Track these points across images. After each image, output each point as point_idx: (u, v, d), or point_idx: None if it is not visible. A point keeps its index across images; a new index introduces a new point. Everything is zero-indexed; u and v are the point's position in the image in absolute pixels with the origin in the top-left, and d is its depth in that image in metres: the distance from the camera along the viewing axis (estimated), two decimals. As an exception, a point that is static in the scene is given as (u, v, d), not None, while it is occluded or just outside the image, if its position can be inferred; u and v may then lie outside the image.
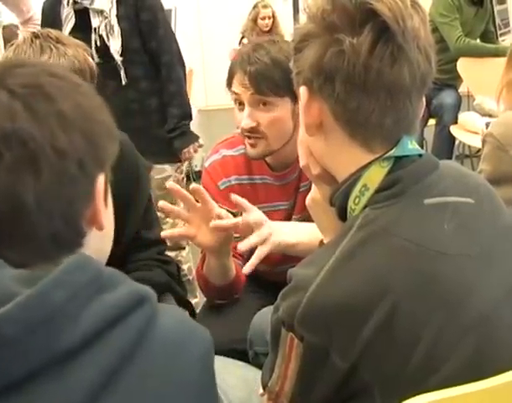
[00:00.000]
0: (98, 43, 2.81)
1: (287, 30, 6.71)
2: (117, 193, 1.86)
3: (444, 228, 1.03)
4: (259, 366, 1.66)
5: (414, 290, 0.97)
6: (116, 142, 0.89)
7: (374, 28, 1.01)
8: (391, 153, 1.06)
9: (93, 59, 2.75)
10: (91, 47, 2.74)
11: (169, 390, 0.78)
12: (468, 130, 4.20)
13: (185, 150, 3.02)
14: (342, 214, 1.11)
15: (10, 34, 4.28)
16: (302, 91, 1.10)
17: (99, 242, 0.87)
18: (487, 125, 3.78)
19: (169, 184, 1.66)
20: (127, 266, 1.96)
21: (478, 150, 3.93)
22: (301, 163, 1.20)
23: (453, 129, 4.48)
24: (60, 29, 2.78)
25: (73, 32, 2.75)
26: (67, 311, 0.72)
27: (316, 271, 1.00)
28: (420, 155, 1.09)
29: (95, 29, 2.81)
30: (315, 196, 1.27)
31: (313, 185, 1.27)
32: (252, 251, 2.02)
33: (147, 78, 2.93)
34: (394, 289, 0.96)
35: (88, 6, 2.81)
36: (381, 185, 1.05)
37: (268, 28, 6.49)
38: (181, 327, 0.84)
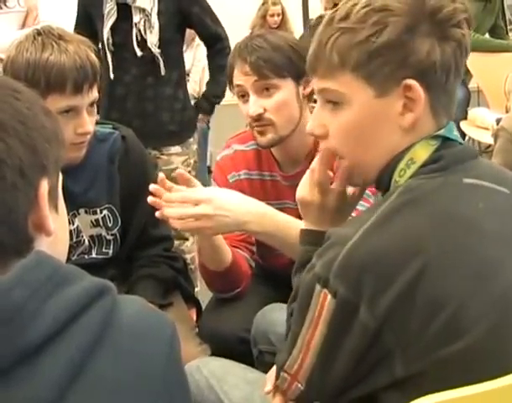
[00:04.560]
0: (138, 37, 2.93)
1: (296, 27, 6.71)
2: (123, 187, 1.89)
3: (478, 207, 1.06)
4: (264, 364, 1.67)
5: (446, 256, 1.00)
6: (59, 146, 0.88)
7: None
8: (440, 132, 1.11)
9: (135, 53, 2.91)
10: (131, 40, 2.92)
11: (137, 377, 0.78)
12: (478, 126, 4.18)
13: (203, 117, 3.53)
14: (386, 187, 1.14)
15: None
16: (414, 87, 1.09)
17: (51, 247, 0.86)
18: (497, 121, 3.77)
19: (178, 171, 1.65)
20: (134, 263, 1.98)
21: (488, 146, 3.91)
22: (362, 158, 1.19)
23: (463, 125, 4.46)
24: (101, 20, 2.95)
25: (114, 26, 2.93)
26: (28, 309, 0.73)
27: (355, 230, 1.02)
28: (461, 144, 1.15)
29: (135, 25, 2.93)
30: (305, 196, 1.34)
31: (302, 183, 1.36)
32: (263, 254, 2.02)
33: (168, 68, 3.03)
34: (427, 250, 0.99)
35: (131, 3, 2.92)
36: (426, 162, 1.10)
37: (277, 25, 6.47)
38: (144, 315, 0.85)
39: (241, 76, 1.82)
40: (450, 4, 1.09)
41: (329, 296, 1.02)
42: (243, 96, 1.84)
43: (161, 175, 1.61)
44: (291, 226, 1.61)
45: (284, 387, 1.14)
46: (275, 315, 1.75)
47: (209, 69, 3.45)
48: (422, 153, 1.10)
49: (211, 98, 3.35)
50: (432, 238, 1.00)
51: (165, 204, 1.57)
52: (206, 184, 1.69)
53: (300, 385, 1.11)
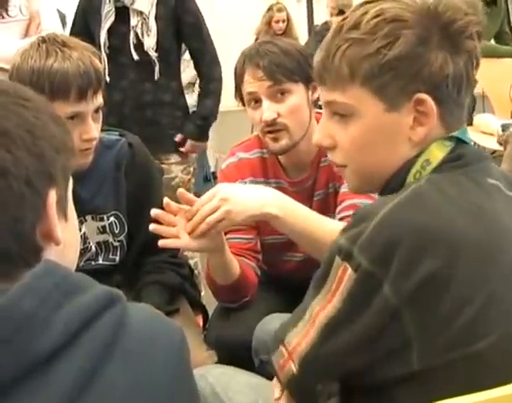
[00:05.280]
0: (135, 40, 2.94)
1: (301, 33, 6.72)
2: (130, 194, 1.89)
3: (501, 207, 1.05)
4: (265, 374, 1.65)
5: (477, 247, 0.99)
6: (68, 154, 0.87)
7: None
8: (454, 133, 1.10)
9: (132, 57, 2.91)
10: (129, 44, 2.93)
11: (147, 383, 0.78)
12: (483, 132, 4.17)
13: (191, 143, 3.12)
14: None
15: None
16: (426, 101, 1.07)
17: (61, 255, 0.86)
18: (502, 126, 3.77)
19: (180, 191, 1.64)
20: (140, 269, 1.98)
21: (493, 152, 3.91)
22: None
23: (468, 131, 4.45)
24: (98, 23, 2.95)
25: (111, 28, 2.94)
26: (40, 317, 0.73)
27: (383, 205, 1.00)
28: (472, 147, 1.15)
29: (132, 28, 2.94)
30: None
31: None
32: (269, 261, 2.02)
33: (166, 75, 3.04)
34: (460, 237, 0.98)
35: (129, 5, 2.93)
36: (444, 160, 1.08)
37: (281, 32, 6.48)
38: (153, 322, 0.85)
39: (253, 82, 1.82)
40: (464, 17, 1.06)
41: (349, 270, 0.98)
42: (255, 102, 1.84)
43: (165, 199, 1.59)
44: (313, 217, 1.60)
45: (279, 363, 1.11)
46: (275, 324, 1.75)
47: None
48: (438, 153, 1.08)
49: (197, 120, 3.15)
50: (465, 226, 0.99)
51: (166, 230, 1.57)
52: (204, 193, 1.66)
53: (293, 366, 1.08)
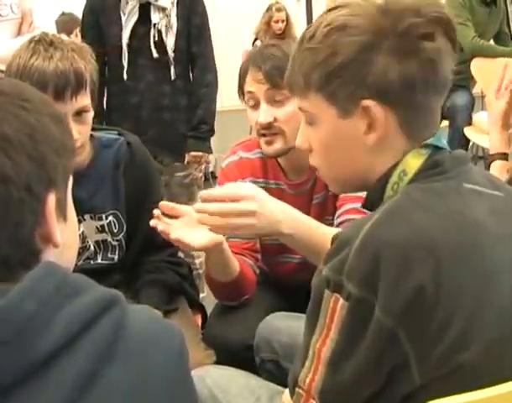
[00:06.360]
0: (156, 38, 2.91)
1: (300, 33, 6.74)
2: (128, 193, 1.89)
3: (481, 210, 1.05)
4: (266, 372, 1.67)
5: (459, 255, 0.99)
6: (68, 155, 0.86)
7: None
8: (429, 141, 1.10)
9: (151, 54, 2.87)
10: (148, 44, 2.89)
11: (146, 386, 0.78)
12: (483, 131, 4.17)
13: (193, 154, 3.07)
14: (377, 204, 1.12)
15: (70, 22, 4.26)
16: (370, 107, 1.07)
17: (59, 255, 0.85)
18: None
19: (202, 193, 1.61)
20: (139, 269, 1.98)
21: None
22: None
23: (467, 131, 4.46)
24: (116, 22, 2.91)
25: (135, 25, 2.90)
26: (39, 320, 0.73)
27: (360, 227, 1.00)
28: (450, 152, 1.14)
29: (154, 25, 2.90)
30: None
31: None
32: (268, 262, 2.03)
33: (182, 77, 3.03)
34: (441, 246, 0.98)
35: (152, 2, 2.90)
36: (421, 168, 1.09)
37: (281, 32, 6.50)
38: (153, 324, 0.85)
39: (253, 84, 1.83)
40: (413, 19, 1.05)
41: (341, 300, 0.98)
42: (254, 103, 1.84)
43: (168, 203, 1.61)
44: (318, 228, 1.57)
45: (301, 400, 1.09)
46: (279, 323, 1.75)
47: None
48: (414, 162, 1.09)
49: (189, 131, 3.06)
50: (445, 237, 0.99)
51: (166, 225, 1.58)
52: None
53: (316, 399, 1.06)
